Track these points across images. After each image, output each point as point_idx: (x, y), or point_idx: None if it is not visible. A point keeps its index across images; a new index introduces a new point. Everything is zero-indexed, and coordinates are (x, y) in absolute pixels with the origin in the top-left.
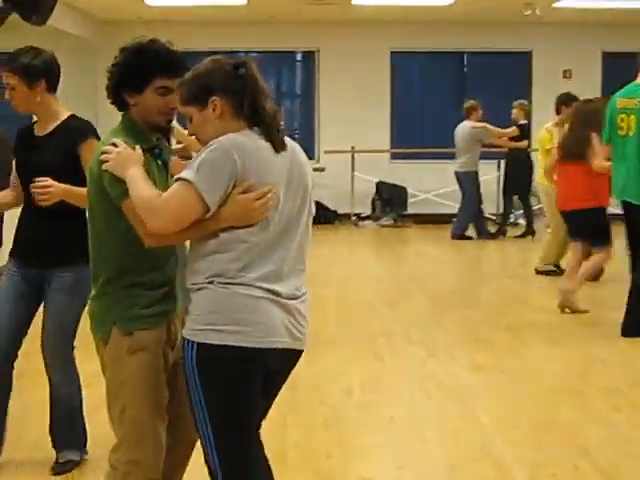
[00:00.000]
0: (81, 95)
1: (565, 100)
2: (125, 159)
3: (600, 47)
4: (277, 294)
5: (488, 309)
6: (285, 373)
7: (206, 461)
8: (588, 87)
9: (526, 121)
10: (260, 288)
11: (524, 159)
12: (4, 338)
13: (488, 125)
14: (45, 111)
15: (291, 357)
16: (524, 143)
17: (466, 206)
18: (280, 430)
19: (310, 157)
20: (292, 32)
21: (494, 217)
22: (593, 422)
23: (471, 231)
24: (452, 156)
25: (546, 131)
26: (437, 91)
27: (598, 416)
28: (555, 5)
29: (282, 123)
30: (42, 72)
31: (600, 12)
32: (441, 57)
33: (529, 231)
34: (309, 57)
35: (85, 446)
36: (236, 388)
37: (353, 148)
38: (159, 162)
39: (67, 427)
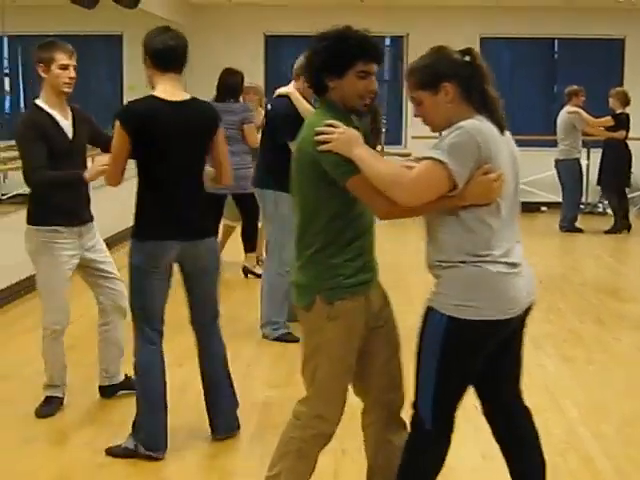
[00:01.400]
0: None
1: None
2: (348, 138)
3: None
4: (516, 265)
5: (577, 300)
6: (523, 323)
7: (415, 407)
8: None
9: (623, 110)
10: (505, 264)
11: (621, 150)
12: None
13: (582, 112)
14: None
15: (528, 310)
16: (621, 133)
17: (567, 197)
18: None
19: (397, 143)
20: (381, 17)
21: (583, 206)
22: None
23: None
24: (540, 143)
25: None
26: (527, 78)
27: None
28: None
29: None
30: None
31: None
32: (531, 43)
33: (625, 224)
34: (398, 42)
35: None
36: (472, 357)
37: (440, 134)
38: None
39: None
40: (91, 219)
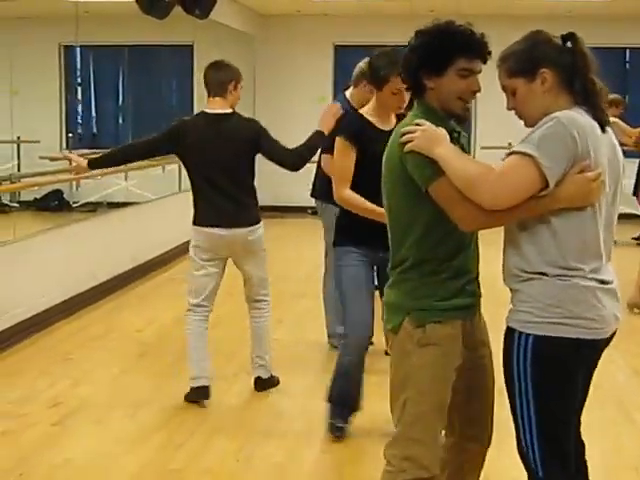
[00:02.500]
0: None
1: None
2: (431, 136)
3: None
4: (606, 282)
5: None
6: (602, 352)
7: (522, 454)
8: None
9: None
10: (594, 279)
11: None
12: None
13: (620, 122)
14: None
15: (610, 339)
16: None
17: None
18: None
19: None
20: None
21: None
22: None
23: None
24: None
25: None
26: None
27: None
28: None
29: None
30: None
31: None
32: (602, 53)
33: None
34: None
35: None
36: (568, 380)
37: (510, 144)
38: (457, 146)
39: None
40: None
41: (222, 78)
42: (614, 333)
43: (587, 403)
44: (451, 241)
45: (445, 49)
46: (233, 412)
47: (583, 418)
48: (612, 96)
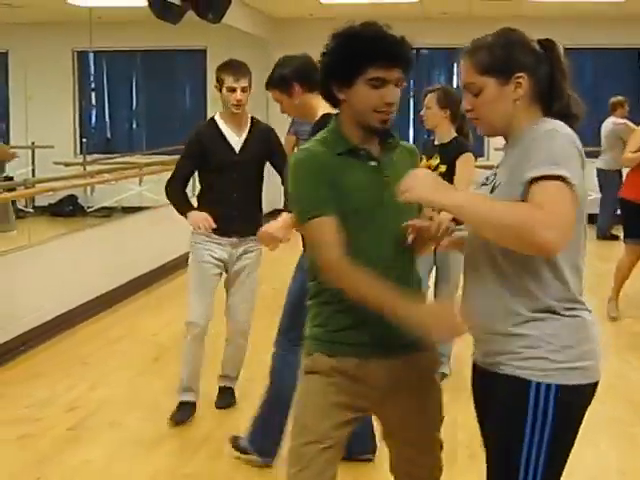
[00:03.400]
0: (254, 93)
1: None
2: (431, 183)
3: None
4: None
5: None
6: None
7: None
8: None
9: None
10: (590, 311)
11: None
12: None
13: (630, 123)
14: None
15: None
16: None
17: (605, 205)
18: (450, 429)
19: (480, 155)
20: (463, 29)
21: None
22: None
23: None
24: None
25: None
26: (610, 89)
27: None
28: None
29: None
30: (293, 78)
31: None
32: (615, 54)
33: None
34: None
35: None
36: (577, 428)
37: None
38: (371, 163)
39: None
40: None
41: None
42: None
43: (600, 404)
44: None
45: (352, 56)
46: (248, 418)
47: (595, 419)
48: (614, 99)
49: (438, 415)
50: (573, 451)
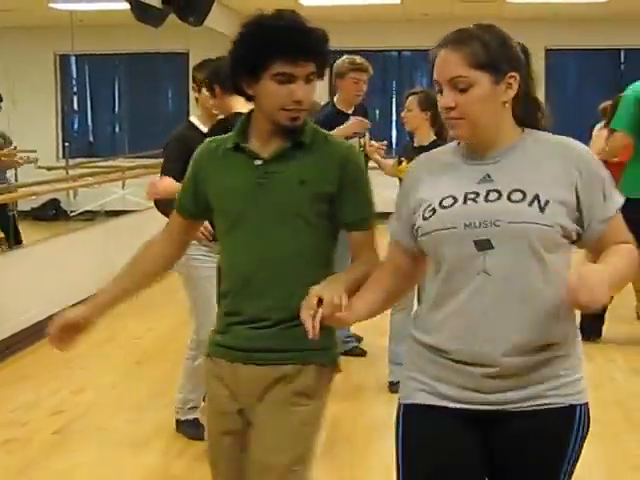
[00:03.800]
0: None
1: None
2: (595, 281)
3: None
4: None
5: None
6: None
7: None
8: None
9: None
10: None
11: None
12: None
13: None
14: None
15: None
16: None
17: None
18: None
19: None
20: (445, 30)
21: None
22: None
23: None
24: None
25: None
26: (592, 90)
27: None
28: None
29: None
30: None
31: None
32: (597, 55)
33: None
34: None
35: None
36: None
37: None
38: (256, 162)
39: None
40: None
41: None
42: None
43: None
44: (227, 279)
45: (257, 49)
46: None
47: None
48: (605, 103)
49: (287, 443)
50: None
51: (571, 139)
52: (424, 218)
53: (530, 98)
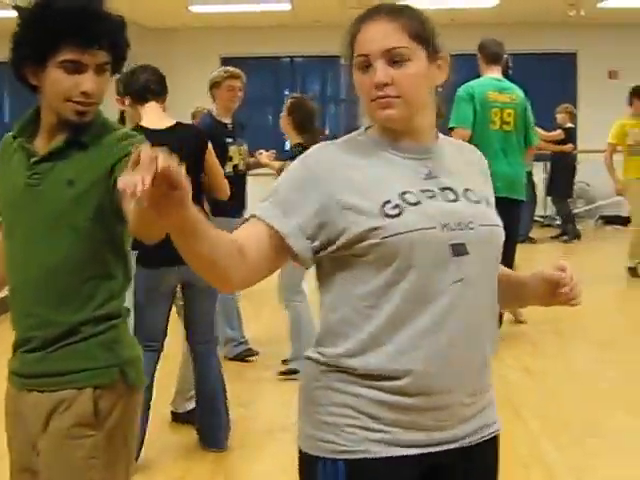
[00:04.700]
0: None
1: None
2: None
3: None
4: None
5: (535, 312)
6: None
7: None
8: None
9: (572, 125)
10: None
11: (568, 162)
12: None
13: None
14: None
15: None
16: (569, 146)
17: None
18: None
19: None
20: (336, 36)
21: (541, 219)
22: None
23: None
24: None
25: (619, 125)
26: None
27: None
28: (600, 5)
29: None
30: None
31: None
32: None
33: (577, 233)
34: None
35: None
36: None
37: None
38: (32, 160)
39: None
40: None
41: None
42: None
43: None
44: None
45: (43, 33)
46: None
47: None
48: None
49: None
50: None
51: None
52: (387, 216)
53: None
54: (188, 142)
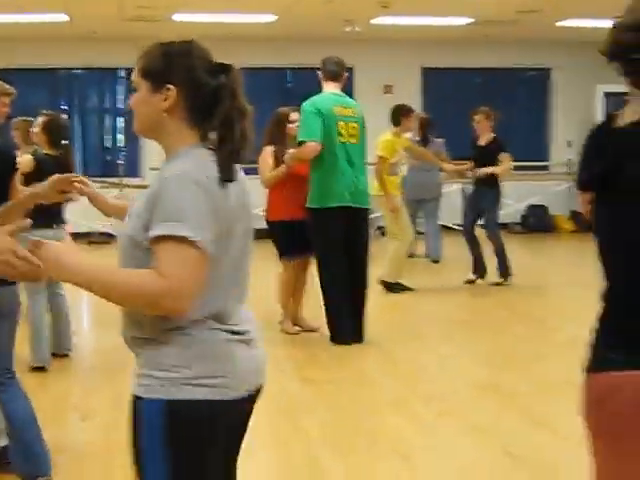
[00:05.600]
0: None
1: (405, 112)
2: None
3: (419, 62)
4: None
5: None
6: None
7: None
8: (408, 101)
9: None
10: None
11: None
12: None
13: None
14: None
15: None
16: None
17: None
18: None
19: (135, 175)
20: (114, 49)
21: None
22: (418, 429)
23: None
24: None
25: (390, 142)
26: (261, 107)
27: (422, 423)
28: (373, 22)
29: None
30: None
31: (418, 29)
32: (263, 74)
33: None
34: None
35: None
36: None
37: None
38: None
39: None
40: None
41: None
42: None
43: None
44: None
45: None
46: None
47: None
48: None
49: None
50: None
51: (193, 168)
52: None
53: (220, 116)
54: None
